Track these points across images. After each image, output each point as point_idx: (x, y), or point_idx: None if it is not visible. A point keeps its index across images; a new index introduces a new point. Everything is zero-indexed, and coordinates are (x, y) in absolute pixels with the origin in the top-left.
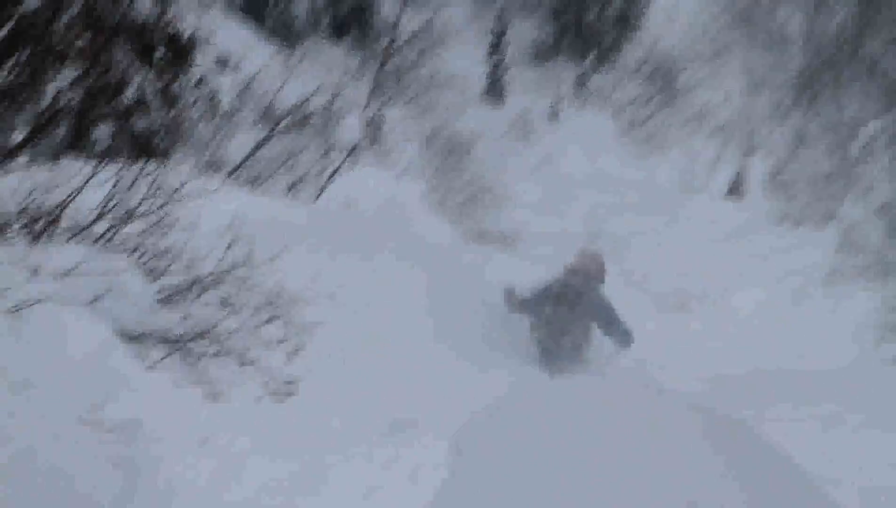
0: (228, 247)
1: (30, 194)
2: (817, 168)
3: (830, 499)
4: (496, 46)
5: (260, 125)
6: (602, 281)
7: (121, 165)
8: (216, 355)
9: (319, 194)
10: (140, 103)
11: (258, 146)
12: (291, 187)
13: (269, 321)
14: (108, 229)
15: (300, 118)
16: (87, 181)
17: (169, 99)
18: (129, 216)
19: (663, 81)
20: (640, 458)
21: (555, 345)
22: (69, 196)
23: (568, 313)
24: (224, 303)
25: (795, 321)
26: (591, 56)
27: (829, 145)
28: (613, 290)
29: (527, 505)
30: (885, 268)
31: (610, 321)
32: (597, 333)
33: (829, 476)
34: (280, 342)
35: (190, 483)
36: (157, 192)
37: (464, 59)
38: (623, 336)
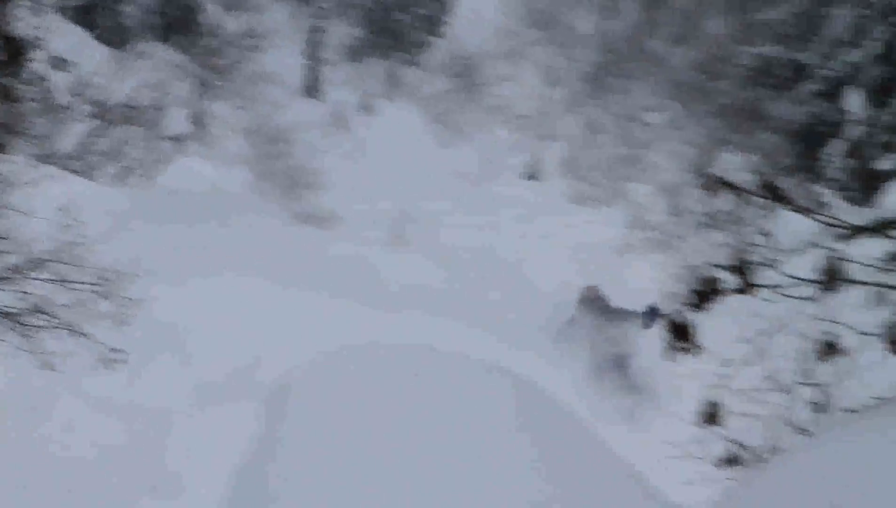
0: (62, 229)
1: None
2: (608, 153)
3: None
4: (313, 45)
5: (92, 119)
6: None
7: None
8: (51, 328)
9: (148, 182)
10: None
11: (90, 138)
12: (122, 175)
13: (99, 296)
14: None
15: (130, 112)
16: None
17: (4, 95)
18: None
19: (467, 76)
20: (448, 423)
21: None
22: None
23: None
24: (58, 280)
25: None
26: (401, 54)
27: (619, 132)
28: (422, 266)
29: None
30: (669, 242)
31: None
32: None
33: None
34: (110, 315)
35: (25, 446)
36: None
37: (284, 57)
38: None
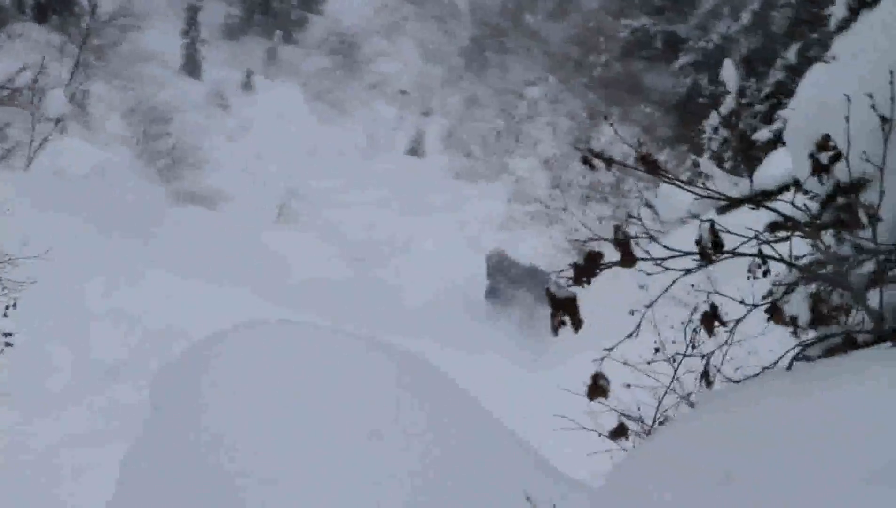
0: None
1: None
2: (489, 128)
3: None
4: (191, 24)
5: None
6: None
7: None
8: None
9: (29, 163)
10: None
11: None
12: (2, 158)
13: None
14: None
15: (7, 94)
16: None
17: None
18: None
19: (346, 53)
20: (329, 397)
21: None
22: None
23: None
24: None
25: (472, 263)
26: (280, 32)
27: (498, 107)
28: (310, 242)
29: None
30: (551, 215)
31: None
32: None
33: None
34: None
35: None
36: None
37: (162, 36)
38: None
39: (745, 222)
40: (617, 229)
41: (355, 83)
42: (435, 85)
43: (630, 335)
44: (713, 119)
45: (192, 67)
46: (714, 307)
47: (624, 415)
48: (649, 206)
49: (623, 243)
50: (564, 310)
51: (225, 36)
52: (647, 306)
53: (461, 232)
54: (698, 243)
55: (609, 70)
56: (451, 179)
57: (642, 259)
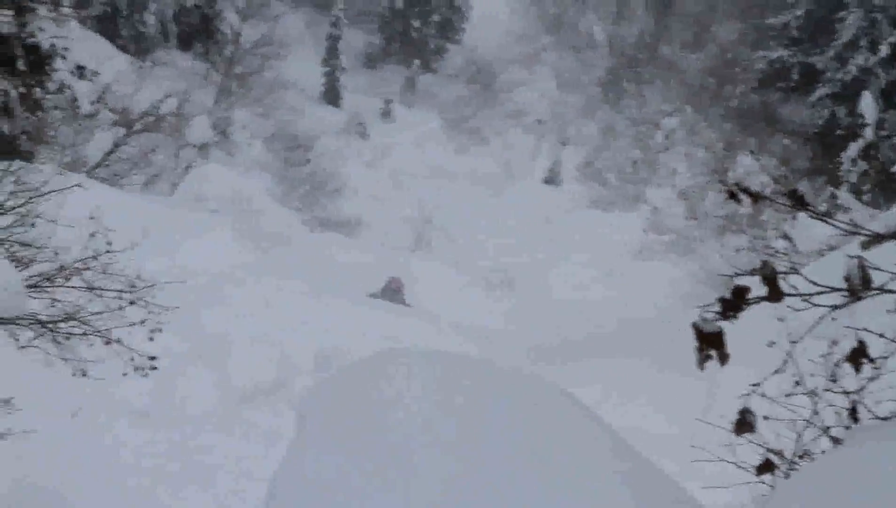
0: (91, 237)
1: None
2: (625, 157)
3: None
4: (331, 53)
5: (116, 127)
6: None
7: None
8: (83, 335)
9: (173, 190)
10: (4, 108)
11: (116, 146)
12: (147, 183)
13: (130, 303)
14: None
15: (153, 120)
16: None
17: (31, 104)
18: None
19: (483, 82)
20: (476, 430)
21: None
22: None
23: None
24: (89, 288)
25: (610, 292)
26: (418, 61)
27: (634, 137)
28: (445, 269)
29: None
30: (687, 245)
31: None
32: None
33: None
34: (141, 322)
35: (65, 453)
36: (23, 188)
37: (303, 65)
38: None
39: (889, 256)
40: (765, 263)
41: (492, 112)
42: (572, 114)
43: (777, 371)
44: (851, 151)
45: (331, 94)
46: (862, 344)
47: (770, 450)
48: (787, 238)
49: (771, 277)
50: (711, 344)
51: (364, 65)
52: (794, 342)
53: (595, 260)
54: (847, 278)
55: (745, 101)
56: (587, 208)
57: (790, 295)
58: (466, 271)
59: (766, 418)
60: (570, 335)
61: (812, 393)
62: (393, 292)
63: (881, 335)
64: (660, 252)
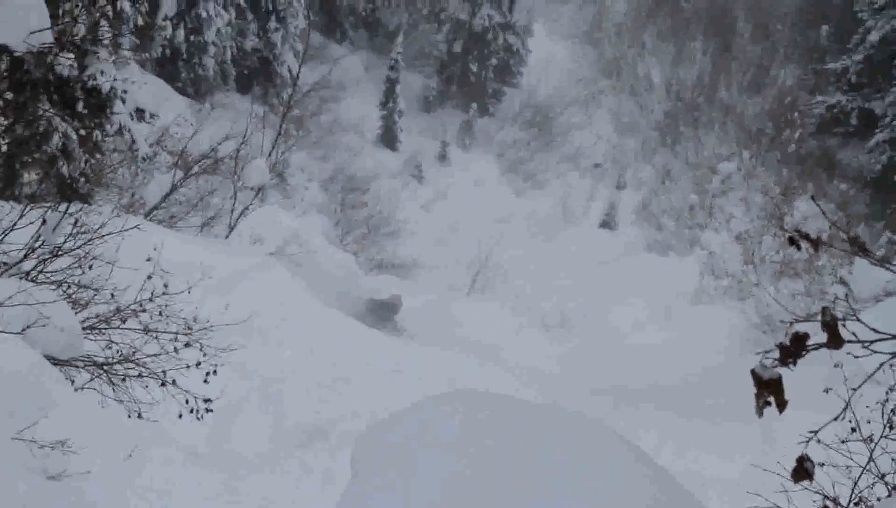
0: (148, 278)
1: None
2: (681, 201)
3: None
4: (389, 96)
5: (175, 169)
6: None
7: (47, 206)
8: (139, 376)
9: (230, 231)
10: (64, 150)
11: (174, 188)
12: (204, 225)
13: (186, 345)
14: (36, 265)
15: (211, 163)
16: (15, 222)
17: (90, 146)
18: (56, 253)
19: (540, 125)
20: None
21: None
22: (0, 235)
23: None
24: (145, 330)
25: (666, 336)
26: (475, 104)
27: (691, 181)
28: (500, 311)
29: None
30: (743, 290)
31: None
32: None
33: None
34: (197, 364)
35: (118, 496)
36: (81, 230)
37: (361, 107)
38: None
39: None
40: (825, 310)
41: (549, 155)
42: (629, 158)
43: (836, 418)
44: None
45: (389, 137)
46: None
47: (825, 496)
48: (844, 283)
49: (831, 324)
50: (769, 391)
51: (421, 108)
52: (855, 389)
53: (652, 303)
54: None
55: (803, 146)
56: (643, 251)
57: (849, 341)
58: (523, 313)
59: (822, 464)
60: (629, 380)
61: (868, 440)
62: (389, 306)
63: None
64: (716, 296)
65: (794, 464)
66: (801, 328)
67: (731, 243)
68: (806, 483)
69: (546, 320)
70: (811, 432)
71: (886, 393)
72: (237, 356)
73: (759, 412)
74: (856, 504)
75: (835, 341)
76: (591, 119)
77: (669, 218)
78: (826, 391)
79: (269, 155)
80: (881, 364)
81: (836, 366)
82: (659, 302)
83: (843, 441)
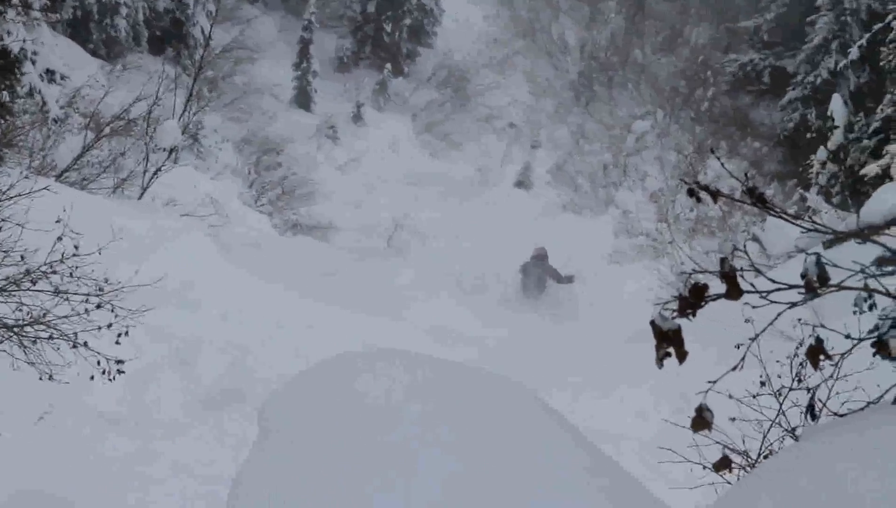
0: (58, 240)
1: None
2: (595, 161)
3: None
4: (303, 57)
5: (86, 131)
6: (546, 258)
7: None
8: (50, 338)
9: (143, 193)
10: None
11: (84, 151)
12: (117, 187)
13: (97, 307)
14: None
15: (123, 124)
16: None
17: None
18: None
19: (456, 86)
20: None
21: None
22: None
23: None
24: (56, 291)
25: (584, 296)
26: (390, 65)
27: (605, 141)
28: (420, 274)
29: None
30: (658, 249)
31: (557, 277)
32: (551, 283)
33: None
34: (108, 326)
35: (29, 457)
36: None
37: (275, 68)
38: (567, 280)
39: (852, 256)
40: (723, 261)
41: (465, 116)
42: (544, 119)
43: (734, 368)
44: (821, 154)
45: (303, 99)
46: (820, 341)
47: (728, 448)
48: (756, 240)
49: (729, 275)
50: (669, 342)
51: (336, 69)
52: (752, 340)
53: (567, 265)
54: (804, 276)
55: (716, 104)
56: (559, 212)
57: (748, 292)
58: (439, 276)
59: (733, 419)
60: (546, 342)
61: (777, 393)
62: (540, 260)
63: (847, 336)
64: (631, 255)
65: (693, 415)
66: (703, 280)
67: (645, 201)
68: (713, 435)
69: (463, 282)
70: (709, 382)
71: (796, 348)
72: (151, 318)
73: (659, 363)
74: (765, 456)
75: (733, 291)
76: (507, 80)
77: (584, 178)
78: (737, 346)
79: (182, 116)
80: (778, 314)
81: (746, 321)
82: (576, 262)
83: (754, 396)
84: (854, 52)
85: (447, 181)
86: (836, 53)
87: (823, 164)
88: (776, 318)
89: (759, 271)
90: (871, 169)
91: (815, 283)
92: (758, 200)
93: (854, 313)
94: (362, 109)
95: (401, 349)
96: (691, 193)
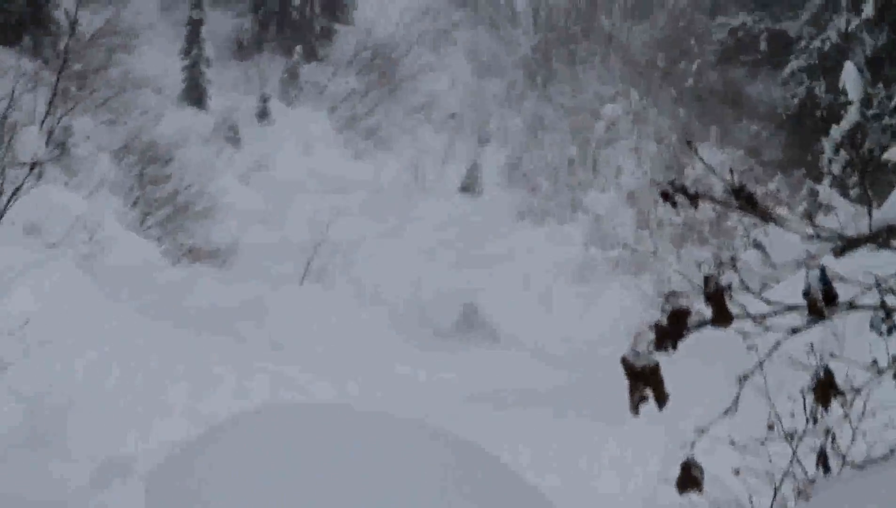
0: None
1: None
2: (558, 156)
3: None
4: (192, 41)
5: None
6: None
7: None
8: None
9: None
10: None
11: None
12: None
13: None
14: None
15: None
16: None
17: None
18: None
19: (383, 69)
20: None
21: None
22: None
23: None
24: None
25: (547, 325)
26: (300, 48)
27: (569, 130)
28: (343, 304)
29: None
30: (639, 261)
31: None
32: None
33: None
34: None
35: None
36: None
37: (158, 57)
38: None
39: (869, 265)
40: (707, 279)
41: (395, 106)
42: (492, 105)
43: (726, 412)
44: (833, 136)
45: (195, 93)
46: (829, 373)
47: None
48: (759, 247)
49: (716, 296)
50: (645, 382)
51: (234, 55)
52: (744, 378)
53: (526, 289)
54: (806, 294)
55: (703, 79)
56: (515, 221)
57: (740, 316)
58: (368, 306)
59: (737, 472)
60: (505, 381)
61: (789, 437)
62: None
63: (874, 363)
64: (605, 271)
65: (679, 473)
66: (685, 303)
67: (621, 204)
68: (715, 492)
69: (399, 314)
70: (698, 430)
71: (812, 380)
72: (7, 376)
73: (635, 410)
74: None
75: (721, 317)
76: (444, 60)
77: (545, 177)
78: (740, 380)
79: (44, 121)
80: (776, 344)
81: (749, 349)
82: (537, 283)
83: (761, 442)
84: (868, 9)
85: (376, 187)
86: (847, 11)
87: (836, 148)
88: (773, 350)
89: (749, 290)
90: (895, 154)
91: (821, 303)
92: (746, 201)
93: (872, 336)
94: (268, 104)
95: (313, 403)
96: (665, 196)
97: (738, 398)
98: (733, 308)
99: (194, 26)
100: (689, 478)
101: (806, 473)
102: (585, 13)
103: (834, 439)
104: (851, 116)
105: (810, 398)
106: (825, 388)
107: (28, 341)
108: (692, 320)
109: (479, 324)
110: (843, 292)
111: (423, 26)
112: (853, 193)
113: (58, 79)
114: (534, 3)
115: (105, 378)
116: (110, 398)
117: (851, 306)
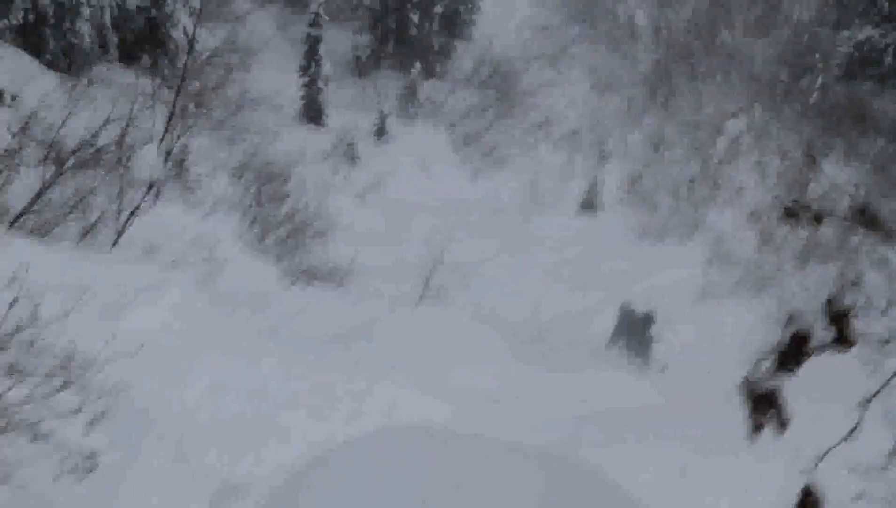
0: (11, 306)
1: None
2: (679, 173)
3: None
4: (310, 59)
5: (45, 165)
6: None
7: None
8: (4, 430)
9: (117, 240)
10: None
11: (44, 189)
12: (85, 234)
13: (62, 387)
14: None
15: (91, 154)
16: None
17: None
18: None
19: (501, 86)
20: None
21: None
22: None
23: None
24: (10, 370)
25: (668, 345)
26: (419, 64)
27: (690, 147)
28: (460, 325)
29: None
30: (761, 281)
31: None
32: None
33: None
34: (76, 410)
35: None
36: None
37: (275, 75)
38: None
39: None
40: (830, 301)
41: (513, 123)
42: (611, 122)
43: (847, 438)
44: None
45: (312, 111)
46: None
47: None
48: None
49: (839, 318)
50: (766, 406)
51: (352, 73)
52: (867, 401)
53: (653, 304)
54: None
55: (828, 94)
56: (634, 240)
57: (863, 338)
58: (489, 325)
59: (858, 497)
60: (622, 402)
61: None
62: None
63: None
64: (727, 290)
65: (798, 498)
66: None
67: (743, 222)
68: None
69: (518, 335)
70: (818, 455)
71: None
72: (130, 398)
73: (753, 436)
74: None
75: (843, 340)
76: (562, 76)
77: (665, 195)
78: (864, 404)
79: (163, 141)
80: (894, 374)
81: (871, 373)
82: (658, 303)
83: (883, 468)
84: None
85: (495, 206)
86: None
87: None
88: (891, 379)
89: (879, 313)
90: None
91: None
92: (870, 221)
93: None
94: (386, 121)
95: (426, 426)
96: (788, 213)
97: (858, 423)
98: (855, 331)
99: (312, 44)
100: (809, 504)
101: None
102: (706, 28)
103: None
104: None
105: None
106: None
107: (146, 363)
108: (813, 343)
109: (643, 340)
110: None
111: (541, 43)
112: None
113: (176, 98)
114: (654, 19)
115: (223, 401)
116: (228, 420)
117: None
